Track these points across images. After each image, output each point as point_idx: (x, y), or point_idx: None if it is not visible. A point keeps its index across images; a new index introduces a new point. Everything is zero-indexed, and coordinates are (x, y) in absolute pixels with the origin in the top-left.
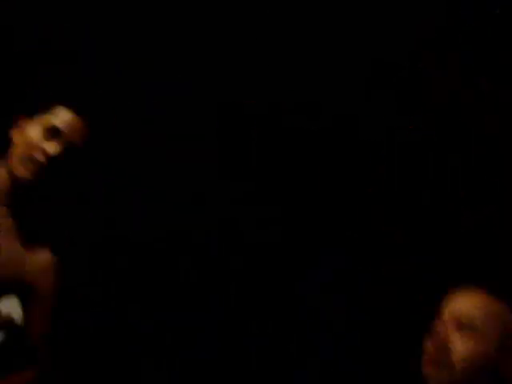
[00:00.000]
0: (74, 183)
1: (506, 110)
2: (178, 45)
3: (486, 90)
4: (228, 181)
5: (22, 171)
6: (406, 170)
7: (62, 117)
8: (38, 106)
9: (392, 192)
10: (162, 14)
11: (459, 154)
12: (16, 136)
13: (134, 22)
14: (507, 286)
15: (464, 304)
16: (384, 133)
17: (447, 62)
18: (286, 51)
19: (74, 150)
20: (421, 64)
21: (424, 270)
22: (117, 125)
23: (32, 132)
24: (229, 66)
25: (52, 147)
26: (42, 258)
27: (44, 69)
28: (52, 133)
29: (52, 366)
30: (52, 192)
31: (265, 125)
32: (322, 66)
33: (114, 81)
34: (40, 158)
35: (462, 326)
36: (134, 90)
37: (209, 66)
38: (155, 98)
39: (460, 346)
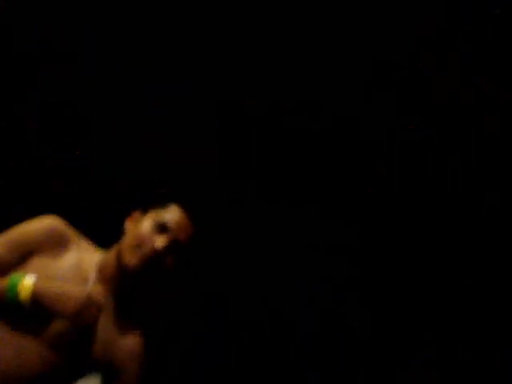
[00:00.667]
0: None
1: (506, 109)
2: (178, 45)
3: (486, 90)
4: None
5: (128, 259)
6: (406, 169)
7: (173, 214)
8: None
9: (392, 191)
10: (163, 14)
11: (459, 154)
12: (129, 226)
13: (134, 22)
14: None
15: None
16: (384, 133)
17: (447, 62)
18: (286, 51)
19: (179, 247)
20: (421, 64)
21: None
22: None
23: (144, 224)
24: (229, 66)
25: (159, 241)
26: (133, 342)
27: (44, 68)
28: (161, 228)
29: None
30: (154, 283)
31: (265, 125)
32: (321, 66)
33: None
34: (146, 249)
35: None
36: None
37: (208, 66)
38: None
39: None
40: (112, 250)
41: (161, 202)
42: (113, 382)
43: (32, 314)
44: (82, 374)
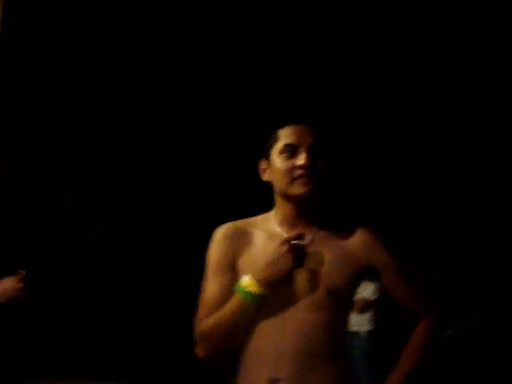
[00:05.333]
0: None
1: None
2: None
3: None
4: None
5: (295, 191)
6: None
7: (289, 133)
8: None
9: None
10: None
11: None
12: (267, 176)
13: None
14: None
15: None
16: None
17: None
18: None
19: (316, 148)
20: None
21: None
22: None
23: (276, 161)
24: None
25: (299, 159)
26: (361, 237)
27: None
28: (291, 150)
29: None
30: (325, 189)
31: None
32: None
33: None
34: (299, 173)
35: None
36: None
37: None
38: None
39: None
40: (277, 204)
41: (270, 139)
42: (384, 276)
43: (275, 296)
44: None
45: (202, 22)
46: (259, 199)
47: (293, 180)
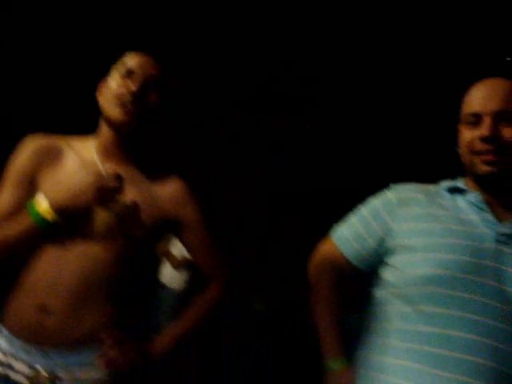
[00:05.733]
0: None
1: None
2: None
3: None
4: None
5: (114, 114)
6: None
7: (133, 58)
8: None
9: None
10: None
11: None
12: (101, 92)
13: None
14: None
15: (496, 93)
16: None
17: None
18: None
19: (154, 81)
20: None
21: None
22: None
23: (111, 81)
24: None
25: (131, 84)
26: (176, 188)
27: None
28: (129, 74)
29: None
30: (148, 124)
31: None
32: None
33: None
34: (125, 97)
35: (504, 115)
36: None
37: None
38: None
39: (509, 133)
40: (100, 128)
41: (117, 60)
42: (185, 233)
43: (70, 222)
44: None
45: (201, 19)
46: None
47: (119, 104)
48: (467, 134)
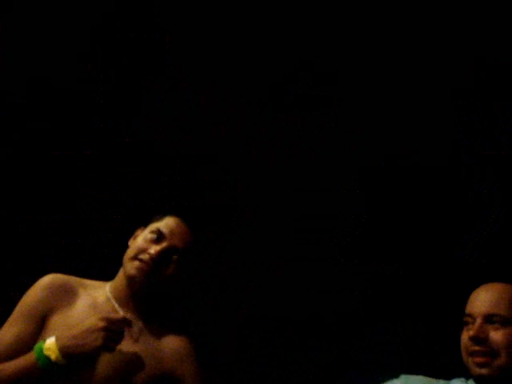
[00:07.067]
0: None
1: None
2: None
3: None
4: None
5: (129, 269)
6: None
7: (167, 222)
8: None
9: None
10: None
11: None
12: (131, 242)
13: None
14: None
15: (488, 297)
16: None
17: None
18: None
19: (177, 252)
20: None
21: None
22: None
23: (141, 236)
24: None
25: (154, 248)
26: (179, 345)
27: None
28: (158, 237)
29: None
30: (159, 289)
31: None
32: None
33: None
34: (144, 257)
35: (492, 318)
36: None
37: None
38: None
39: (496, 336)
40: (119, 274)
41: (158, 216)
42: None
43: (77, 365)
44: None
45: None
46: None
47: (137, 259)
48: (464, 335)
